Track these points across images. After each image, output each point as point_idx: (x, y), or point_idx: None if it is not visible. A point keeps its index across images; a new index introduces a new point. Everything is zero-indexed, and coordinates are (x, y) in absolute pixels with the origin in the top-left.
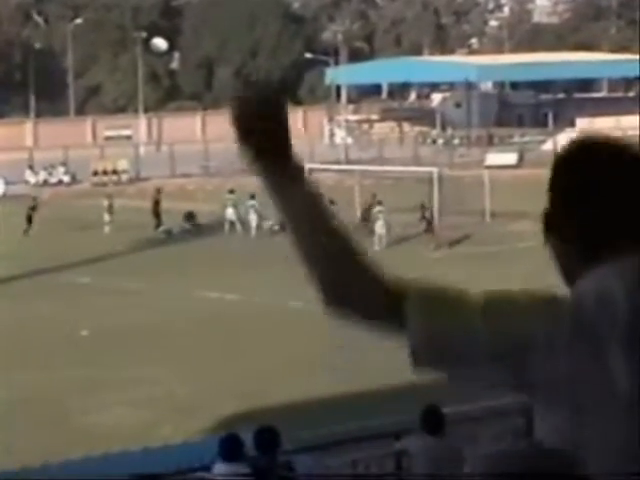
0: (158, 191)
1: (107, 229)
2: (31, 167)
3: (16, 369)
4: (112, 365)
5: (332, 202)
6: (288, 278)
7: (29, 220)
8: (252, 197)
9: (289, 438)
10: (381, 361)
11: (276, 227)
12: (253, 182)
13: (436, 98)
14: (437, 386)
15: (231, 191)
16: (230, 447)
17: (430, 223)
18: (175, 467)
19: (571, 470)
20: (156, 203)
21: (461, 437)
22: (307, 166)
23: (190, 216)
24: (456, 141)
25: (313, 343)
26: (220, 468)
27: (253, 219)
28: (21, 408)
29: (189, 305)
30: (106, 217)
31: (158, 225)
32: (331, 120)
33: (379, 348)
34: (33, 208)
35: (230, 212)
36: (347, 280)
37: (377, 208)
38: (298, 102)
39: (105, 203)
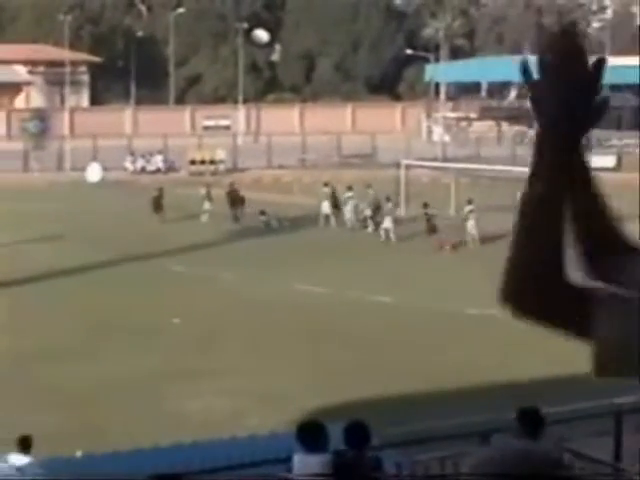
0: (232, 184)
1: (204, 218)
2: (131, 154)
3: (108, 354)
4: (201, 354)
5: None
6: (379, 272)
7: (158, 207)
8: (349, 189)
9: (377, 434)
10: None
11: (367, 215)
12: (349, 175)
13: None
14: (528, 387)
15: (326, 184)
16: (312, 436)
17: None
18: (260, 457)
19: (557, 471)
20: (232, 192)
21: (551, 438)
22: (404, 162)
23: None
24: None
25: (397, 340)
26: (300, 459)
27: (349, 211)
28: (113, 394)
29: (279, 297)
30: (205, 205)
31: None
32: (429, 117)
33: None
34: (160, 196)
35: (325, 205)
36: (548, 290)
37: (468, 207)
38: (397, 98)
39: (203, 192)
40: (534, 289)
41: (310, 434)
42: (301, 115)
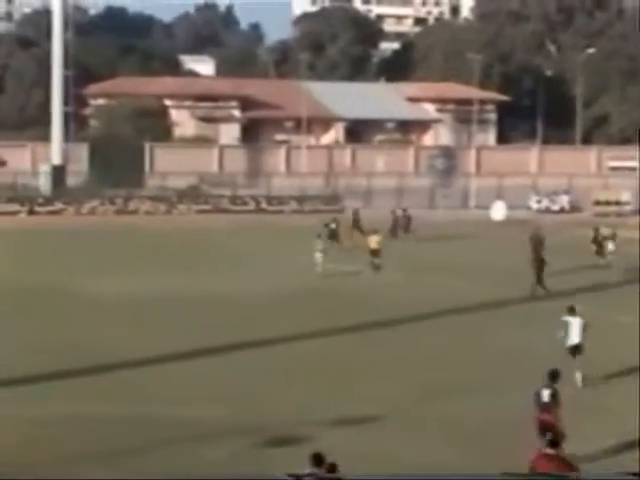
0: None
1: (606, 260)
2: (536, 193)
3: (509, 389)
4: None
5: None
6: None
7: (601, 247)
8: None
9: None
10: None
11: None
12: None
13: None
14: None
15: None
16: None
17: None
18: None
19: None
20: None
21: None
22: None
23: None
24: None
25: None
26: None
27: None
28: (503, 431)
29: None
30: (609, 247)
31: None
32: None
33: None
34: (600, 237)
35: None
36: None
37: None
38: None
39: (605, 232)
40: None
41: None
42: None
